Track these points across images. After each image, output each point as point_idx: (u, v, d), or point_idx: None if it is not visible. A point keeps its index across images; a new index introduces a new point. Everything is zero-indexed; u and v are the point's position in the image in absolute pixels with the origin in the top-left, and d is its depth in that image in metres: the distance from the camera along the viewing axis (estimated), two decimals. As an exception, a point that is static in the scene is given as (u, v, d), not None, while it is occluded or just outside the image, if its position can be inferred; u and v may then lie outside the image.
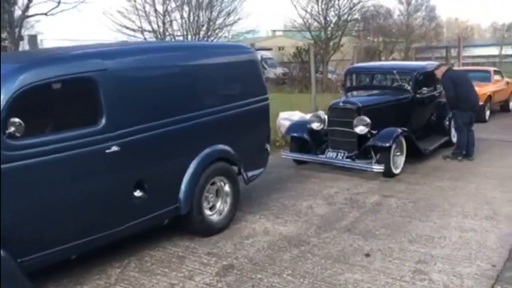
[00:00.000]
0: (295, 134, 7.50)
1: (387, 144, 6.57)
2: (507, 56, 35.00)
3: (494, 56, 34.31)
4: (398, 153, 6.90)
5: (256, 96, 5.33)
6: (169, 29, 23.81)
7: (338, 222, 5.00)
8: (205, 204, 4.60)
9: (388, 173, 6.62)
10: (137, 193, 3.98)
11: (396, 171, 6.77)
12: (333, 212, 5.33)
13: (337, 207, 5.53)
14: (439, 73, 7.79)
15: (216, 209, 4.77)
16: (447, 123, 8.41)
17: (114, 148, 3.72)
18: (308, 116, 8.11)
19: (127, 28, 22.43)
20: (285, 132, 8.10)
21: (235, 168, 4.98)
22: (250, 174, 5.24)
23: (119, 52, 4.10)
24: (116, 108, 3.78)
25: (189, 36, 23.36)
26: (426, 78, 8.08)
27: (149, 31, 23.03)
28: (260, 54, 27.62)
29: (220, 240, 4.56)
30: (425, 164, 7.43)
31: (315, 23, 22.86)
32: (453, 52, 24.26)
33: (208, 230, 4.63)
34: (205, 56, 4.84)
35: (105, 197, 3.75)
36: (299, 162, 7.47)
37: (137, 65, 4.05)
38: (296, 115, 9.66)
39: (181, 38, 22.98)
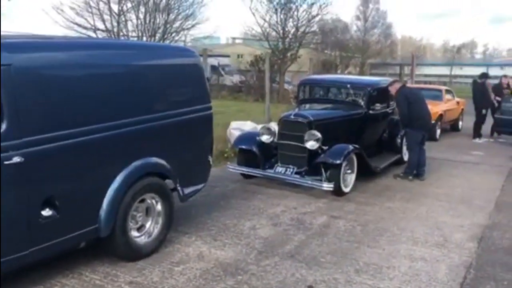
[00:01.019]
0: (243, 146, 7.05)
1: (338, 162, 6.24)
2: (456, 76, 36.37)
3: (445, 76, 35.55)
4: (349, 171, 6.59)
5: (198, 104, 4.84)
6: (124, 30, 22.94)
7: (281, 247, 4.57)
8: (131, 225, 4.04)
9: (337, 192, 6.29)
10: (46, 212, 3.37)
11: (346, 190, 6.45)
12: (277, 235, 4.91)
13: (282, 228, 5.11)
14: (392, 90, 7.62)
15: (145, 230, 4.22)
16: (399, 140, 8.23)
17: (16, 159, 3.12)
18: (259, 127, 7.70)
19: (79, 25, 21.44)
20: (233, 143, 7.64)
21: (170, 183, 4.46)
22: (188, 190, 4.72)
23: (32, 45, 3.48)
24: (22, 111, 3.18)
25: (144, 38, 22.54)
26: (380, 94, 7.86)
27: (102, 30, 22.09)
28: (217, 61, 27.13)
29: (146, 266, 4.01)
30: (376, 182, 7.18)
31: (274, 33, 22.71)
32: (406, 70, 24.81)
33: (134, 254, 4.07)
34: (140, 57, 4.30)
35: (3, 217, 3.13)
36: (246, 176, 7.02)
37: (52, 62, 3.44)
38: (248, 125, 9.26)
39: (135, 39, 22.12)
